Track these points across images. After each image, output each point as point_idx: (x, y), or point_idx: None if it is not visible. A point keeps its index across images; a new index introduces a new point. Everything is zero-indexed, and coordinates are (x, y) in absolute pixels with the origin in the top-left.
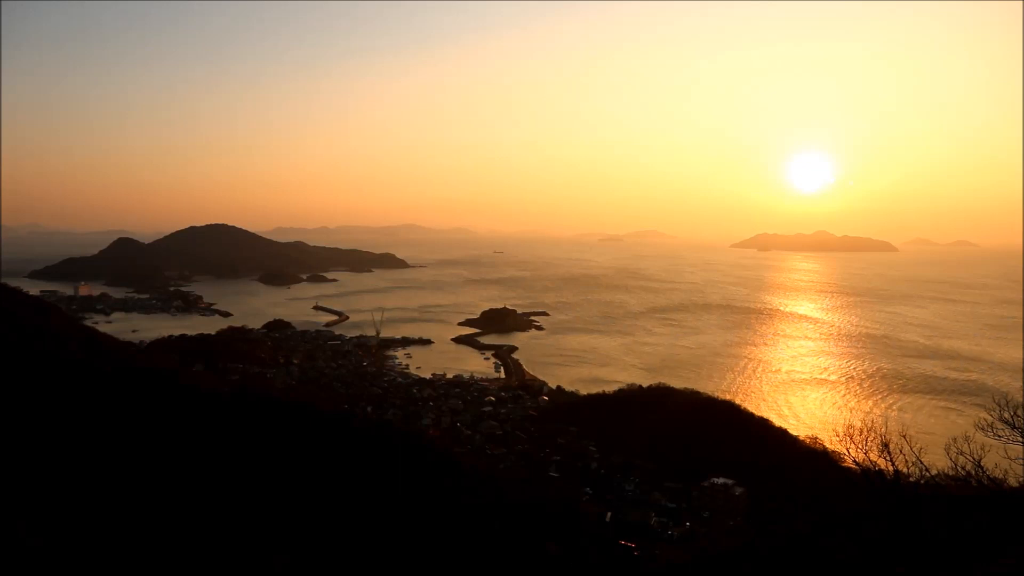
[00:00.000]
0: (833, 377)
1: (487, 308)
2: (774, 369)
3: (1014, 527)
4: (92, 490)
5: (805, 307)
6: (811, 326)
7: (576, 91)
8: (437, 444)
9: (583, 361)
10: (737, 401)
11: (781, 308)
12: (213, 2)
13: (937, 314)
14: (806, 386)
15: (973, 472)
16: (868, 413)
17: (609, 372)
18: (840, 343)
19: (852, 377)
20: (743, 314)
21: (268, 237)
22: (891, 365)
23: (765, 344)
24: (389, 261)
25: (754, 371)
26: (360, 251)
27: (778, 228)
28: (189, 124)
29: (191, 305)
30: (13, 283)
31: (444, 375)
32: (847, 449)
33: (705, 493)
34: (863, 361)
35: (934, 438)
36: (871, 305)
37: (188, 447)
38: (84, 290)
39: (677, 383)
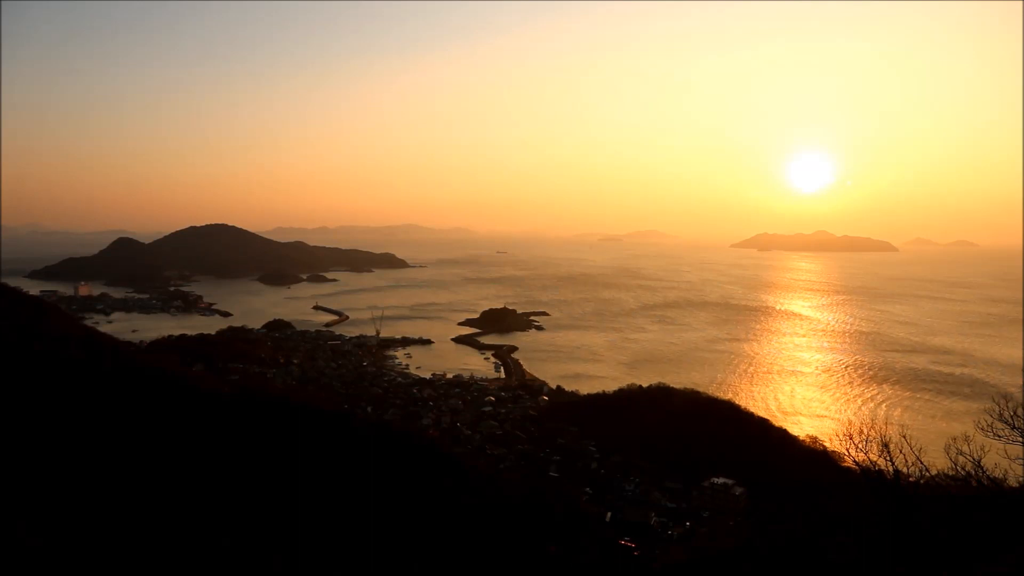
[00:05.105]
0: (813, 370)
1: (487, 308)
2: (756, 363)
3: (1014, 527)
4: (92, 490)
5: (798, 305)
6: (801, 323)
7: (576, 91)
8: (437, 444)
9: (572, 357)
10: (714, 392)
11: (774, 306)
12: (213, 2)
13: (929, 313)
14: (785, 378)
15: (973, 472)
16: (848, 405)
17: (593, 368)
18: (827, 339)
19: (831, 370)
20: (735, 311)
21: (268, 237)
22: (877, 359)
23: (751, 340)
24: (389, 261)
25: (736, 365)
26: (360, 251)
27: (778, 228)
28: (189, 124)
29: (191, 305)
30: (13, 283)
31: (444, 375)
32: (847, 449)
33: (705, 493)
34: (849, 356)
35: (927, 435)
36: (864, 303)
37: (188, 447)
38: (84, 290)
39: (656, 377)
